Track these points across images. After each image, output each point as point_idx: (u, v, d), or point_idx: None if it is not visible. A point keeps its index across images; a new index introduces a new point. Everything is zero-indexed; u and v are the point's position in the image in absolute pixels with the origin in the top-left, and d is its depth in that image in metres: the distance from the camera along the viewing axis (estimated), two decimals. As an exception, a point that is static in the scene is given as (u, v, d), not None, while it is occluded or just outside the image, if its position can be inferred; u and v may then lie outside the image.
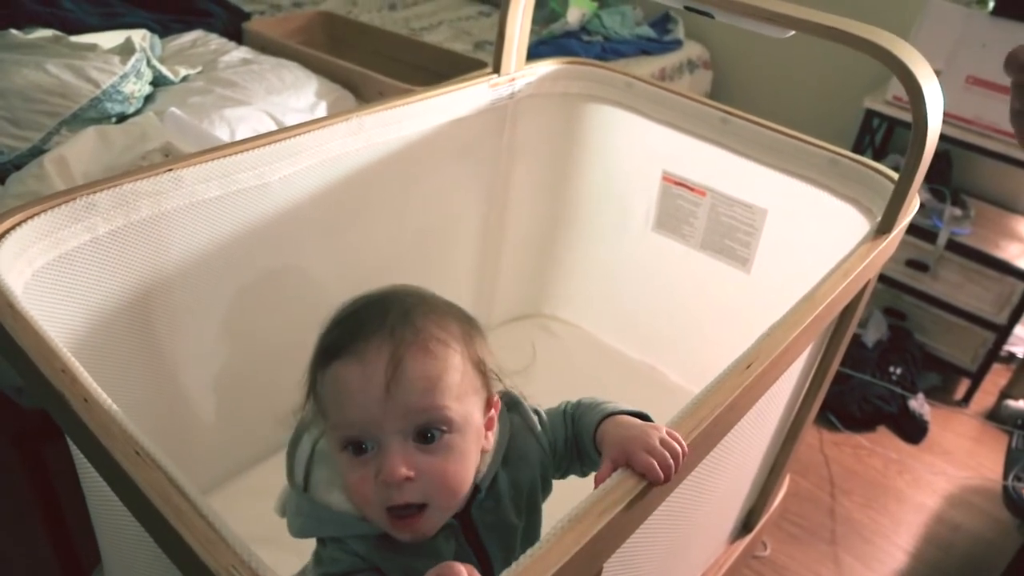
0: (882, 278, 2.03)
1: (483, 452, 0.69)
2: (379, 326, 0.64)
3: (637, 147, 1.37)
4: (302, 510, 0.68)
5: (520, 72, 1.29)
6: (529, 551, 0.53)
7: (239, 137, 1.41)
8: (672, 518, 0.79)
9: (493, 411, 0.69)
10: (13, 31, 1.50)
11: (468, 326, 0.69)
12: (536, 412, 0.76)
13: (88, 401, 0.60)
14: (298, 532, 0.68)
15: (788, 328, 0.78)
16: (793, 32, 0.96)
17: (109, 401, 0.61)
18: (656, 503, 0.63)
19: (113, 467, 0.57)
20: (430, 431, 0.63)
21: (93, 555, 1.08)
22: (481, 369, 0.67)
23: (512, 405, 0.75)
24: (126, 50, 1.50)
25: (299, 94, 1.60)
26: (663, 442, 0.60)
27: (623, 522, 0.58)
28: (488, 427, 0.69)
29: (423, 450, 0.63)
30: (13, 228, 0.78)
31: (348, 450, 0.64)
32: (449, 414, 0.63)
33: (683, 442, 0.61)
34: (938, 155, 2.08)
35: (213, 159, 0.95)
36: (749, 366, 0.72)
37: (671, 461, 0.59)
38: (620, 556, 0.64)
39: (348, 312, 0.67)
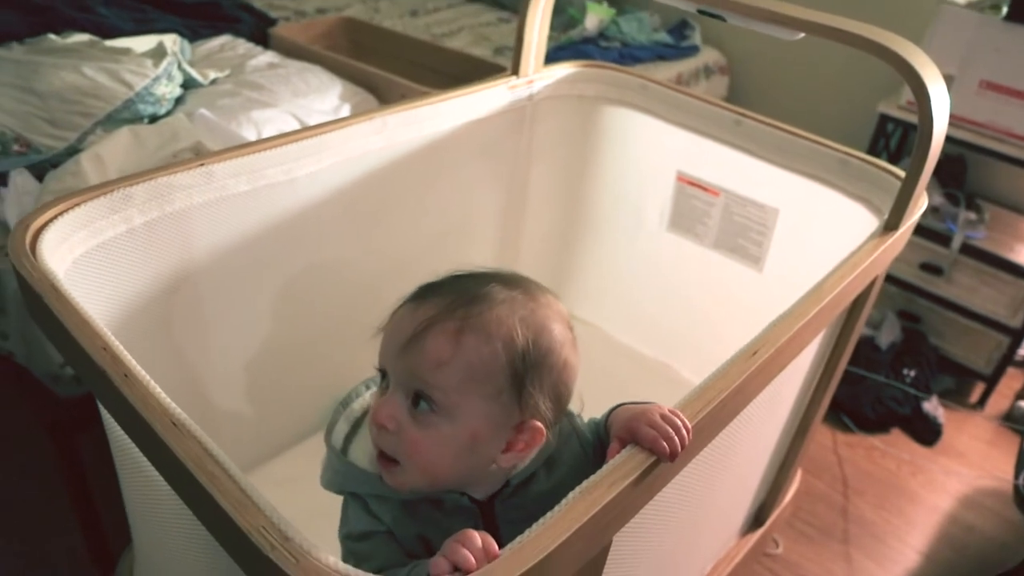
0: (896, 281, 2.05)
1: (495, 465, 0.68)
2: (450, 293, 0.67)
3: (652, 148, 1.40)
4: (332, 465, 0.72)
5: (538, 74, 1.33)
6: (541, 520, 0.56)
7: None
8: (682, 498, 0.82)
9: (523, 436, 0.67)
10: (51, 36, 1.56)
11: (541, 350, 0.66)
12: (580, 417, 0.78)
13: (128, 376, 0.64)
14: (326, 484, 0.73)
15: (794, 318, 0.81)
16: (803, 34, 0.99)
17: (147, 376, 0.65)
18: (664, 479, 0.66)
19: (151, 437, 0.60)
20: (421, 400, 0.65)
21: (121, 539, 1.12)
22: (518, 388, 0.65)
23: (565, 413, 0.76)
24: (158, 54, 1.55)
25: (323, 97, 1.65)
26: (664, 417, 0.63)
27: (632, 496, 0.61)
28: (511, 449, 0.67)
29: (413, 415, 0.65)
30: (56, 217, 0.82)
31: (381, 377, 0.69)
32: (437, 395, 0.64)
33: (684, 418, 0.64)
34: (952, 159, 2.09)
35: (243, 155, 0.99)
36: (755, 353, 0.74)
37: (673, 434, 0.62)
38: (630, 531, 0.67)
39: (460, 272, 0.71)
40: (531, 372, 0.66)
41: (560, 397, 0.70)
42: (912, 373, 1.96)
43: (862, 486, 1.77)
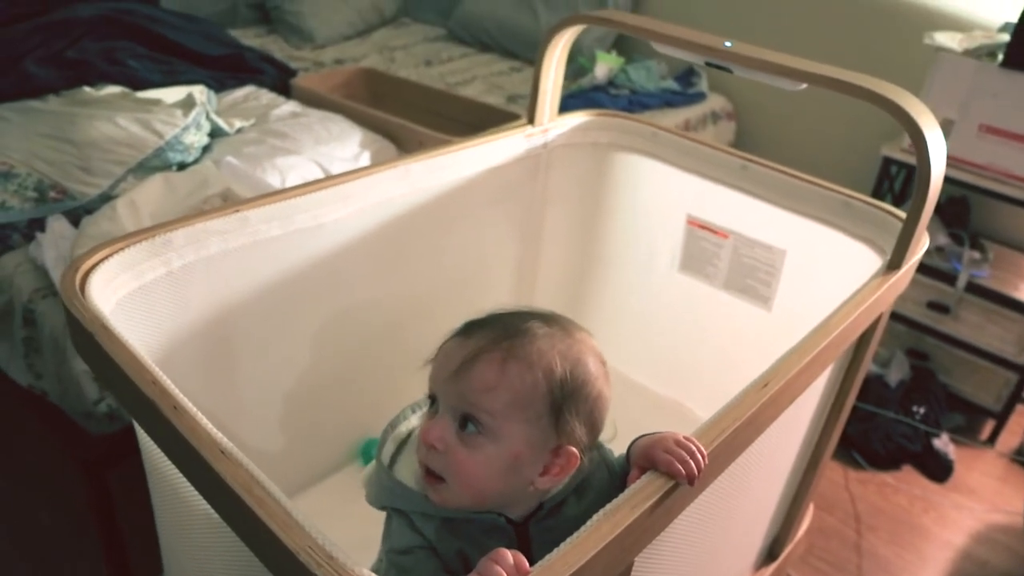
0: (904, 319, 2.08)
1: (532, 487, 0.72)
2: (495, 328, 0.73)
3: (662, 193, 1.45)
4: (380, 480, 0.77)
5: (553, 123, 1.39)
6: (568, 539, 0.60)
7: (289, 184, 1.51)
8: (699, 526, 0.85)
9: (559, 460, 0.72)
10: (86, 88, 1.64)
11: (577, 381, 0.72)
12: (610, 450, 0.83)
13: (177, 408, 0.68)
14: (372, 500, 0.77)
15: (803, 352, 0.85)
16: (805, 85, 1.04)
17: (194, 408, 0.69)
18: (682, 503, 0.70)
19: (201, 465, 0.64)
20: (468, 422, 0.70)
21: (145, 573, 1.15)
22: (556, 414, 0.71)
23: (595, 445, 0.80)
24: (187, 104, 1.62)
25: (344, 144, 1.71)
26: (679, 443, 0.68)
27: (652, 518, 0.65)
28: (548, 472, 0.72)
29: (460, 436, 0.71)
30: (103, 260, 0.87)
31: (430, 402, 0.74)
32: (484, 418, 0.70)
33: (698, 443, 0.68)
34: (956, 200, 2.14)
35: (275, 201, 1.04)
36: (766, 385, 0.78)
37: (688, 458, 0.66)
38: (651, 554, 0.71)
39: (503, 311, 0.76)
40: (568, 400, 0.71)
41: (594, 425, 0.75)
42: (922, 410, 1.98)
43: (874, 522, 1.79)
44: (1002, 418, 2.03)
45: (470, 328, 0.74)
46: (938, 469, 1.92)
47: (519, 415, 0.70)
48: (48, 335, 1.29)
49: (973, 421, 2.12)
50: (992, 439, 2.06)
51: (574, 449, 0.72)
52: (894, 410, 1.98)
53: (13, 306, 1.34)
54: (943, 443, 1.96)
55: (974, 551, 1.75)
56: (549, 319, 0.76)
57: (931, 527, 1.80)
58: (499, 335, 0.72)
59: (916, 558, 1.71)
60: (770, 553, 1.33)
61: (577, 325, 0.78)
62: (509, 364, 0.70)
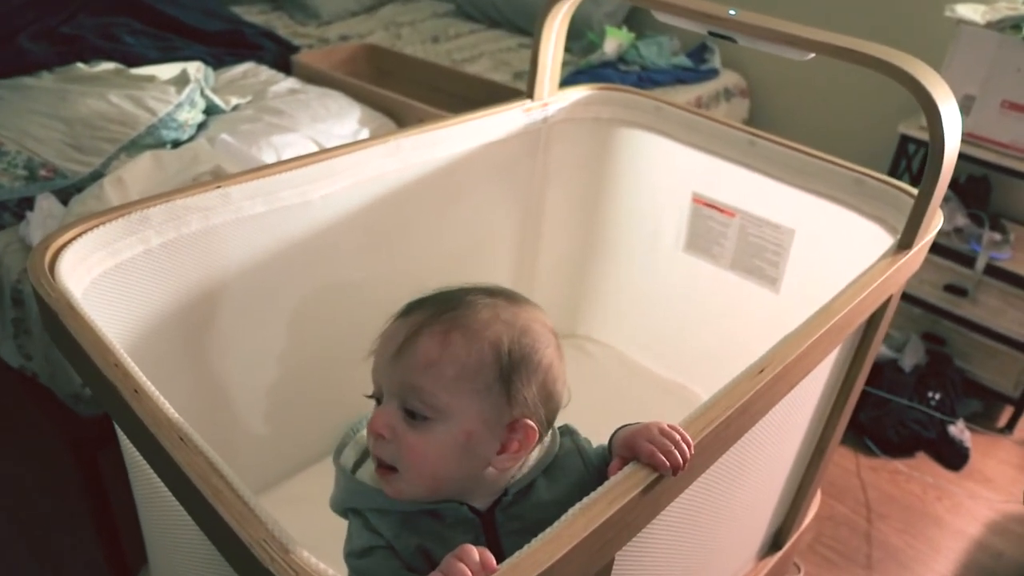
0: (920, 303, 2.02)
1: (491, 468, 0.69)
2: (435, 304, 0.70)
3: (667, 169, 1.40)
4: (339, 483, 0.74)
5: (553, 97, 1.34)
6: (540, 535, 0.56)
7: (285, 162, 1.48)
8: (691, 518, 0.81)
9: (516, 435, 0.68)
10: (79, 64, 1.61)
11: (525, 349, 0.69)
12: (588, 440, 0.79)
13: (138, 392, 0.65)
14: (332, 503, 0.74)
15: (803, 336, 0.80)
16: (812, 55, 0.99)
17: (156, 392, 0.66)
18: (668, 496, 0.66)
19: (159, 451, 0.61)
20: (415, 410, 0.67)
21: (139, 556, 1.14)
22: (506, 384, 0.67)
23: (567, 432, 0.78)
24: (181, 81, 1.59)
25: (343, 122, 1.67)
26: (663, 432, 0.64)
27: (634, 512, 0.61)
28: (506, 450, 0.68)
29: (408, 421, 0.67)
30: (75, 238, 0.84)
31: (376, 402, 0.71)
32: (429, 398, 0.66)
33: (684, 432, 0.64)
34: (977, 180, 2.08)
35: (258, 177, 1.01)
36: (761, 371, 0.74)
37: (672, 447, 0.62)
38: (635, 549, 0.67)
39: (445, 288, 0.74)
40: (518, 367, 0.68)
41: (550, 397, 0.71)
42: (937, 396, 1.93)
43: (886, 510, 1.74)
44: (1020, 405, 1.97)
45: (410, 308, 0.72)
46: (953, 457, 1.87)
47: (467, 387, 0.66)
48: (36, 316, 1.27)
49: (990, 408, 2.06)
50: (1010, 426, 2.00)
51: (531, 422, 0.68)
52: (908, 396, 1.92)
53: (2, 286, 1.31)
54: (959, 430, 1.90)
55: (989, 541, 1.70)
56: (493, 291, 0.73)
57: (944, 516, 1.75)
58: (440, 309, 0.69)
59: (928, 548, 1.67)
60: (775, 542, 1.29)
61: (524, 297, 0.75)
62: (452, 335, 0.67)
